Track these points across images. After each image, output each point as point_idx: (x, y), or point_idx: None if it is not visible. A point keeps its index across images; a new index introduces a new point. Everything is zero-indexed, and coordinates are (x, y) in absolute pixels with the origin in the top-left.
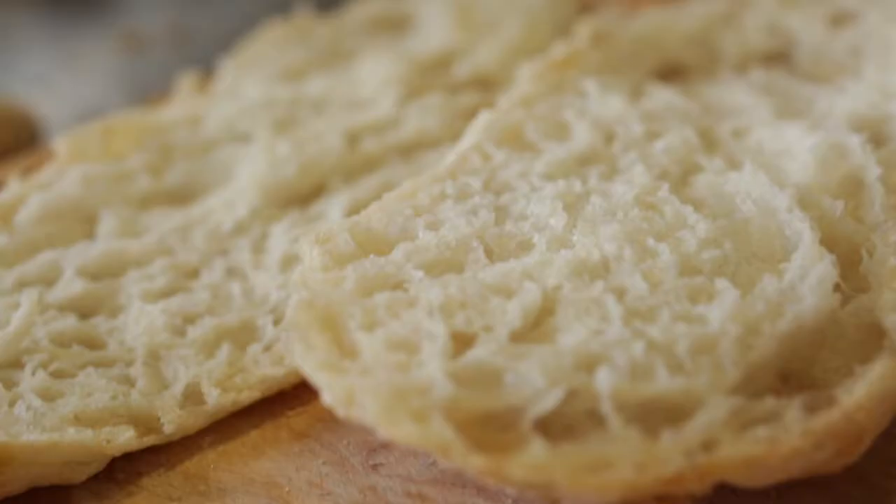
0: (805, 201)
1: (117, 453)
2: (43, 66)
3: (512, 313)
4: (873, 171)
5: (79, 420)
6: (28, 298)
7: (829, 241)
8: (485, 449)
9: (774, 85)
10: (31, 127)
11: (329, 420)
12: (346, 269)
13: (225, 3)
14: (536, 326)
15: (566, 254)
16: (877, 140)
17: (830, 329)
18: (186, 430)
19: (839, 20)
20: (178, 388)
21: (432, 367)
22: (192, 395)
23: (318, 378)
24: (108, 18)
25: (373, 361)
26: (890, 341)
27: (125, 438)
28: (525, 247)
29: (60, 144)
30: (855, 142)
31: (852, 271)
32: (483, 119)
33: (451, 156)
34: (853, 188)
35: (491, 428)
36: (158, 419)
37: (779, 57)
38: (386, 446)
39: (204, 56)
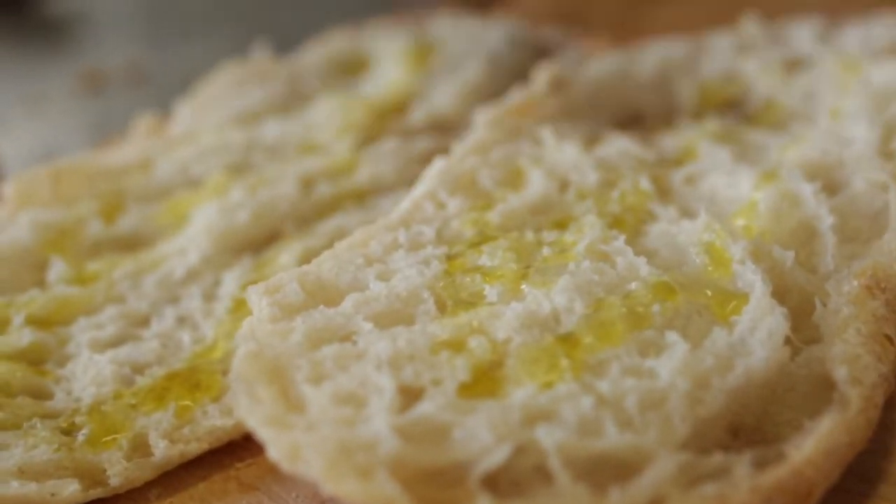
0: (757, 252)
1: None
2: (1, 107)
3: (461, 367)
4: (826, 221)
5: (23, 473)
6: None
7: (780, 292)
8: None
9: (729, 132)
10: None
11: (278, 472)
12: (295, 321)
13: (184, 43)
14: (485, 380)
15: (517, 306)
16: (830, 188)
17: (780, 382)
18: (133, 482)
19: (793, 66)
20: (124, 440)
21: (379, 422)
22: (139, 447)
23: (262, 433)
24: (68, 58)
25: (319, 416)
26: (839, 394)
27: (70, 492)
28: (476, 298)
29: (8, 188)
30: (807, 190)
31: (804, 321)
32: (437, 166)
33: (404, 203)
34: (806, 237)
35: (437, 484)
36: (104, 471)
37: (735, 103)
38: (335, 499)
39: (163, 96)
